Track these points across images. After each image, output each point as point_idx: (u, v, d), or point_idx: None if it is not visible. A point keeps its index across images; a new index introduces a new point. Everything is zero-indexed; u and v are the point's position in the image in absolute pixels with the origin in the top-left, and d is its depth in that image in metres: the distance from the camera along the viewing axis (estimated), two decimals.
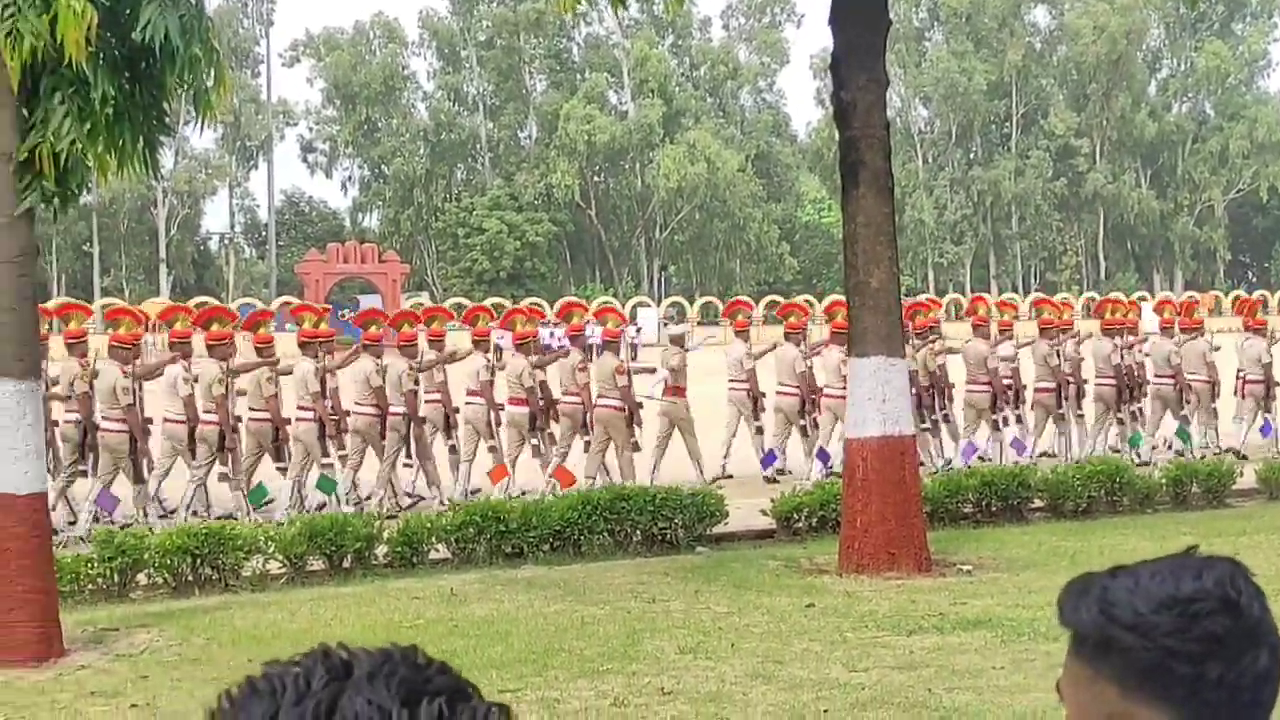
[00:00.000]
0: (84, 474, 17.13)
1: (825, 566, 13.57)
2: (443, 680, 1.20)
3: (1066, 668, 1.75)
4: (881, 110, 13.88)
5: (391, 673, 1.18)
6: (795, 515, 15.73)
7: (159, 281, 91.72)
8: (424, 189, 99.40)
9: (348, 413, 18.38)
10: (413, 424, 18.57)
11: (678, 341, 21.20)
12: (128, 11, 10.42)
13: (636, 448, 19.24)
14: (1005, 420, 21.50)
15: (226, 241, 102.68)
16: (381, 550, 13.97)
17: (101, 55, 10.36)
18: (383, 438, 18.22)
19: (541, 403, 19.28)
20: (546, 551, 14.43)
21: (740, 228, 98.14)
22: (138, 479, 17.03)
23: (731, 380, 21.19)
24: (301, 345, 18.43)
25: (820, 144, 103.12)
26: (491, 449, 19.22)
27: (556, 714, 8.63)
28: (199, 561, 13.06)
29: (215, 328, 18.30)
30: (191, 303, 74.11)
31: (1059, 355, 21.79)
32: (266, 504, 17.34)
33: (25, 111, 10.38)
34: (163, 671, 9.91)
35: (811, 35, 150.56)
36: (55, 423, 17.15)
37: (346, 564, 13.77)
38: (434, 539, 14.19)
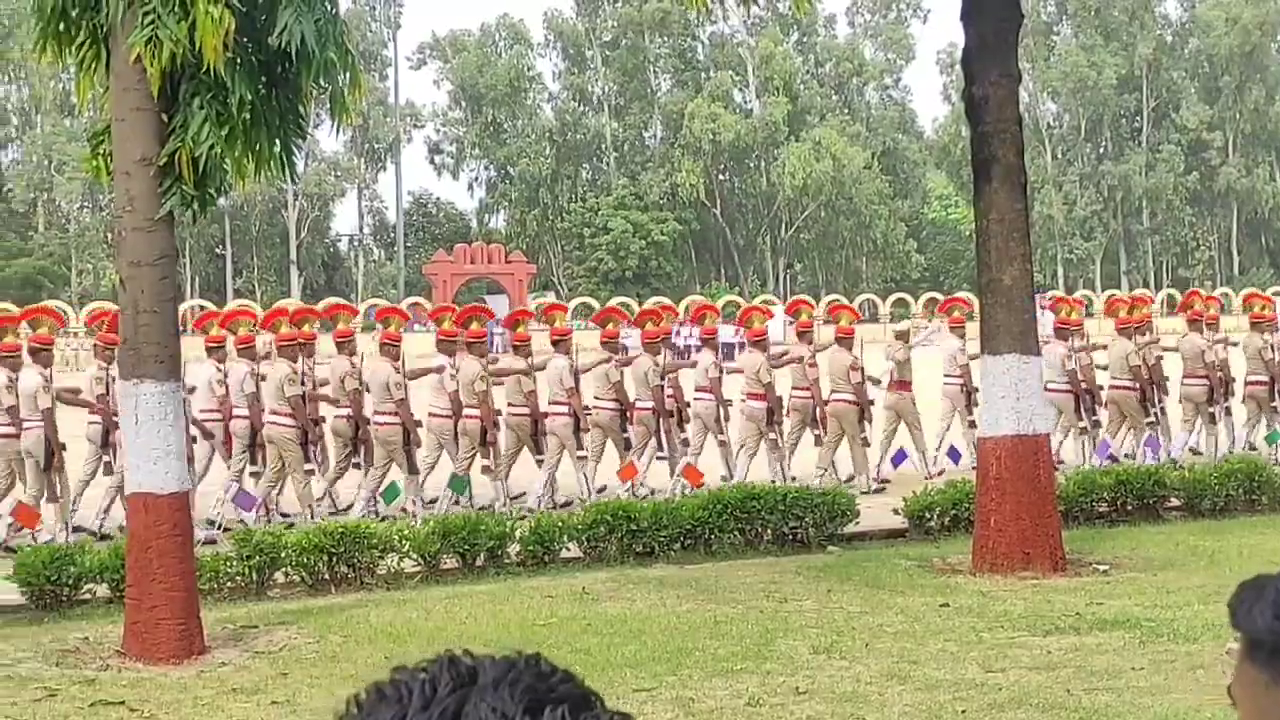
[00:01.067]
0: (357, 466, 17.83)
1: (959, 566, 13.47)
2: (566, 689, 1.21)
3: (1241, 672, 1.73)
4: (1014, 105, 13.77)
5: (516, 680, 1.20)
6: (927, 514, 15.63)
7: (290, 283, 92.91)
8: (549, 189, 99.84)
9: (587, 408, 18.81)
10: (661, 418, 19.06)
11: (902, 337, 21.44)
12: (264, 17, 10.54)
13: (866, 443, 19.64)
14: (1220, 414, 21.66)
15: (355, 243, 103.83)
16: (514, 549, 14.05)
17: (239, 60, 10.49)
18: (623, 431, 18.82)
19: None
20: (677, 550, 14.43)
21: (866, 225, 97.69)
22: (411, 470, 17.56)
23: (946, 375, 21.49)
24: (555, 343, 19.05)
25: (947, 140, 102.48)
26: (716, 443, 19.56)
27: (691, 713, 8.64)
28: (335, 560, 13.20)
29: (475, 326, 19.06)
30: (320, 305, 74.95)
31: (1273, 349, 21.83)
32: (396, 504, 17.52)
33: (165, 117, 10.54)
34: (302, 669, 10.03)
35: (937, 31, 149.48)
36: (323, 419, 17.94)
37: (479, 562, 13.86)
38: (565, 538, 14.25)
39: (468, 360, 18.19)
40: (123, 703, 9.20)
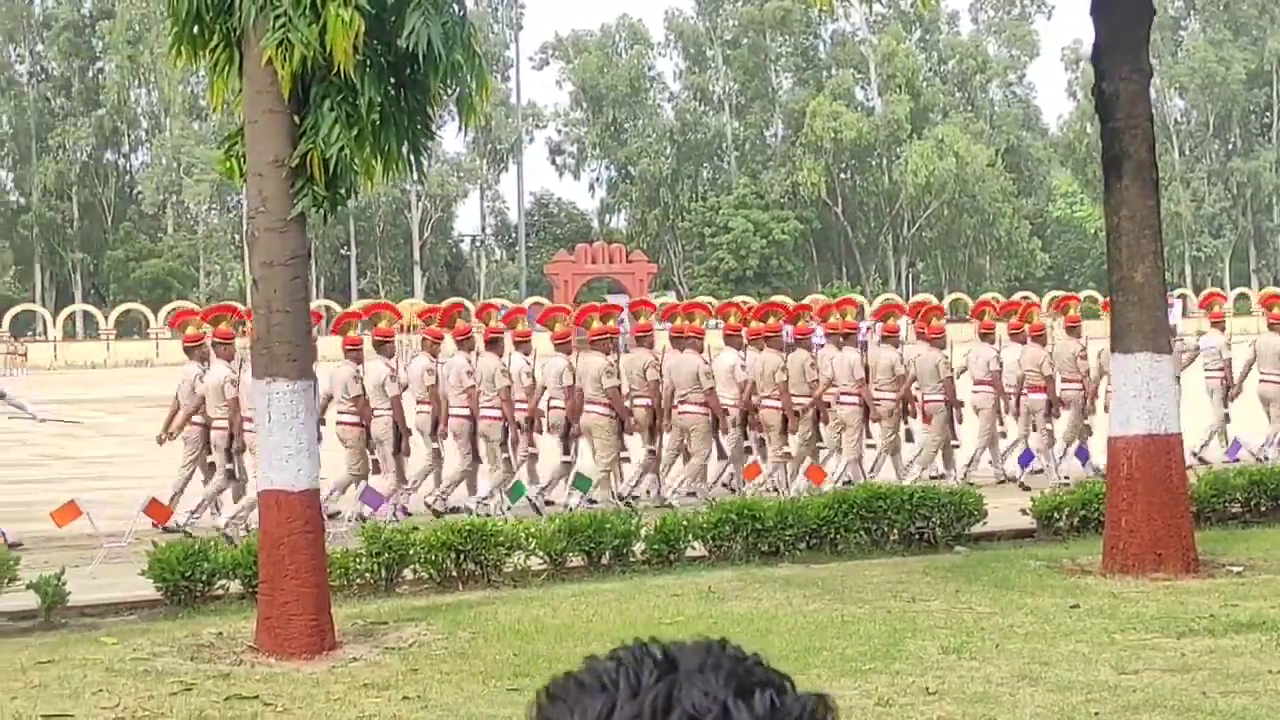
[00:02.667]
0: (652, 453, 18.46)
1: (1089, 567, 13.31)
2: (763, 671, 1.20)
3: None
4: (1145, 101, 13.60)
5: (718, 665, 1.17)
6: (1056, 515, 15.45)
7: (413, 283, 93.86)
8: (670, 189, 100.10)
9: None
10: (954, 409, 19.52)
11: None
12: (393, 19, 10.63)
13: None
14: None
15: (478, 243, 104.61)
16: (639, 548, 14.06)
17: (368, 63, 10.58)
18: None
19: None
20: (802, 550, 14.38)
21: (990, 223, 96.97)
22: (720, 456, 18.37)
23: (1208, 369, 21.82)
24: (844, 335, 19.81)
25: (1072, 137, 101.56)
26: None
27: None
28: (462, 557, 13.27)
29: (771, 321, 19.74)
30: (444, 304, 75.19)
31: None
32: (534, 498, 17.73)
33: (296, 119, 10.67)
34: (432, 665, 10.10)
35: (1062, 27, 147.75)
36: (630, 411, 18.38)
37: (605, 561, 13.89)
38: (690, 536, 14.23)
39: (767, 354, 18.80)
40: (257, 697, 9.32)
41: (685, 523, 14.29)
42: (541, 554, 13.70)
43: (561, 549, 13.69)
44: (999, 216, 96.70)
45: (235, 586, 12.57)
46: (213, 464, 17.16)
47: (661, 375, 18.34)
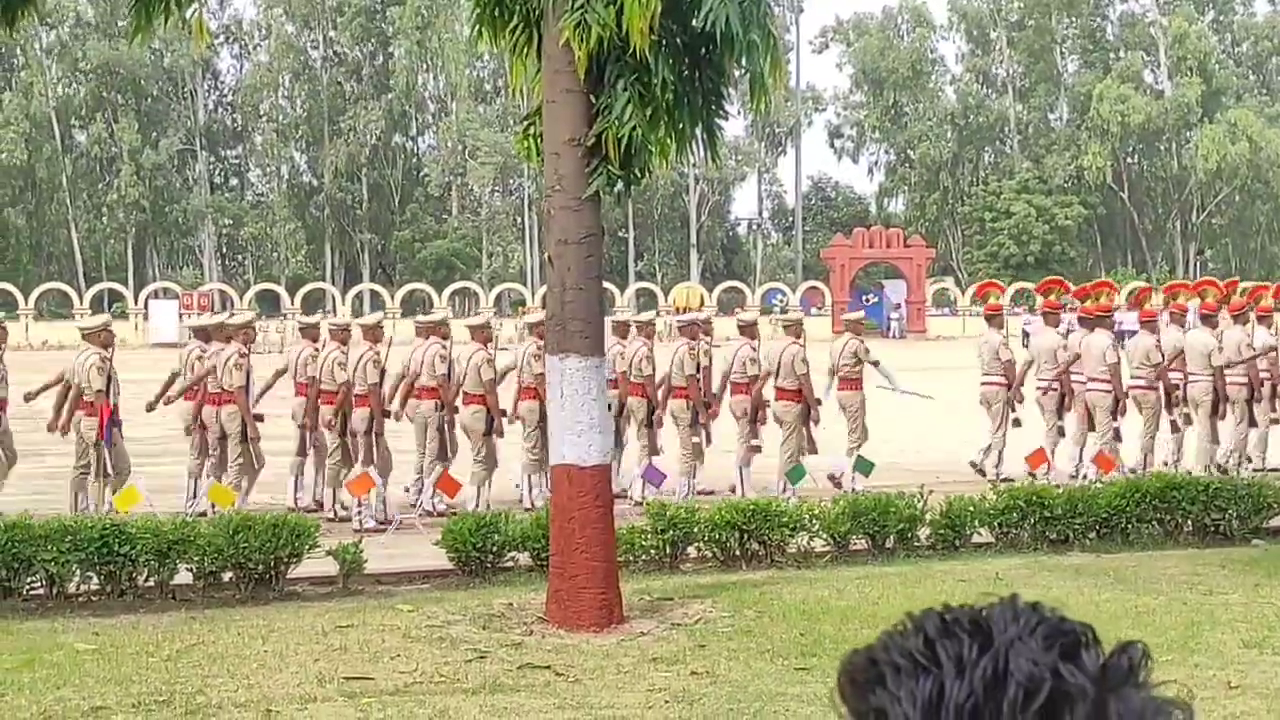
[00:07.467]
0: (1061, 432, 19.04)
1: None
2: (1074, 625, 1.13)
3: None
4: None
5: (1032, 627, 1.11)
6: None
7: (689, 266, 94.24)
8: (950, 173, 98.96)
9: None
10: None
11: None
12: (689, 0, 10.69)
13: None
14: None
15: (754, 227, 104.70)
16: (924, 532, 13.94)
17: (663, 43, 10.65)
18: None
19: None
20: (1092, 539, 14.12)
21: None
22: (1119, 437, 18.75)
23: None
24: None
25: None
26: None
27: None
28: (746, 537, 13.32)
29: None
30: (719, 288, 75.43)
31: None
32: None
33: (592, 98, 10.79)
34: (718, 642, 10.15)
35: None
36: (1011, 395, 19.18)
37: (889, 544, 13.80)
38: (977, 522, 14.06)
39: (1141, 335, 19.22)
40: (549, 667, 9.48)
41: (972, 508, 14.12)
42: (825, 536, 13.68)
43: (845, 531, 13.65)
44: None
45: (524, 559, 12.81)
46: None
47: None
